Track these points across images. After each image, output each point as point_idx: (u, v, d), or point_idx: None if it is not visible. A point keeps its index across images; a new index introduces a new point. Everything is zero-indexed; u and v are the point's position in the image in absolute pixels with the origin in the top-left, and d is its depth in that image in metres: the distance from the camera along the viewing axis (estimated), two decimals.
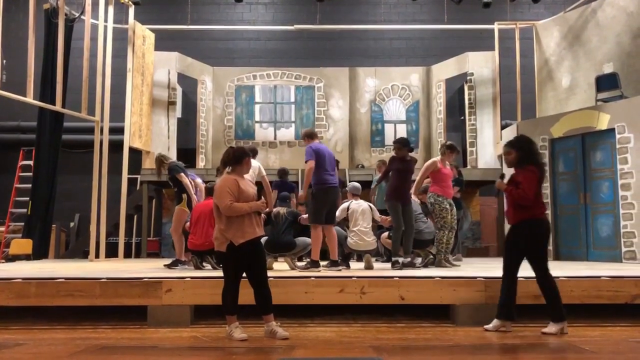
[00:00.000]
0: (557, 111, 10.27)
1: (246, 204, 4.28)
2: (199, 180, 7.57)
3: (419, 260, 7.42)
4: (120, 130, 10.92)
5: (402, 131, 13.45)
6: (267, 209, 6.75)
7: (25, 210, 10.86)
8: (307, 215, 6.56)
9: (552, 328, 4.47)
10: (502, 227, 11.08)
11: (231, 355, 3.87)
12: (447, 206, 6.90)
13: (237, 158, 4.42)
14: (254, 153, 6.73)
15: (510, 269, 4.61)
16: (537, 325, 4.90)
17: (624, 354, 3.91)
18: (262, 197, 4.52)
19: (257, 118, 13.49)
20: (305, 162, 6.27)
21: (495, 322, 4.60)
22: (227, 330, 4.34)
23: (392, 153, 6.90)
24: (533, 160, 4.62)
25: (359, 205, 6.76)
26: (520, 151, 4.66)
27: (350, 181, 9.05)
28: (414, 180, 6.96)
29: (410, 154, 6.80)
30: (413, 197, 7.27)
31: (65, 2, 9.83)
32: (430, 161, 7.23)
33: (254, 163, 6.64)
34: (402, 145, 6.65)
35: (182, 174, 7.10)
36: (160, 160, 7.23)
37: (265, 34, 14.66)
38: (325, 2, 13.32)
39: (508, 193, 4.61)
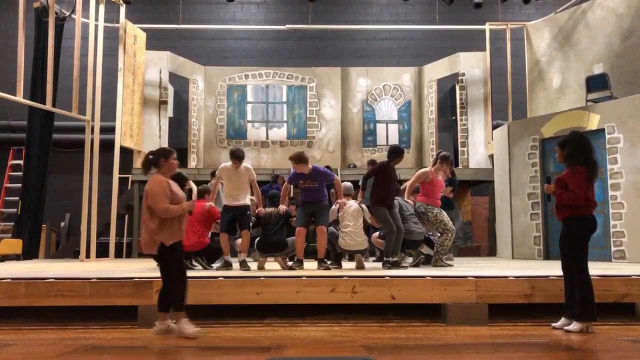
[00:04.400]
0: (548, 111, 10.33)
1: (179, 206, 4.41)
2: None
3: (409, 260, 7.45)
4: (111, 130, 10.88)
5: (394, 131, 13.48)
6: (257, 211, 6.78)
7: (15, 209, 10.79)
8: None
9: (575, 326, 4.45)
10: (492, 226, 11.14)
11: (222, 355, 3.87)
12: (438, 210, 7.01)
13: (156, 161, 4.49)
14: (242, 155, 6.67)
15: (570, 266, 4.56)
16: (528, 324, 4.94)
17: (613, 352, 3.94)
18: (192, 198, 4.61)
19: (249, 118, 13.47)
20: (333, 179, 6.60)
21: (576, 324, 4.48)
22: (177, 327, 4.37)
23: (383, 156, 6.90)
24: (581, 159, 4.52)
25: (349, 205, 6.76)
26: (567, 149, 4.60)
27: (342, 181, 9.02)
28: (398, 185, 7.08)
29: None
30: (406, 199, 7.30)
31: (55, 1, 9.77)
32: (423, 170, 7.27)
33: (244, 164, 6.64)
34: (398, 155, 6.72)
35: (191, 182, 7.15)
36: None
37: (257, 34, 14.65)
38: (317, 2, 13.33)
39: (558, 196, 4.54)
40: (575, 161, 4.55)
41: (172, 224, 4.40)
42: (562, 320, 4.63)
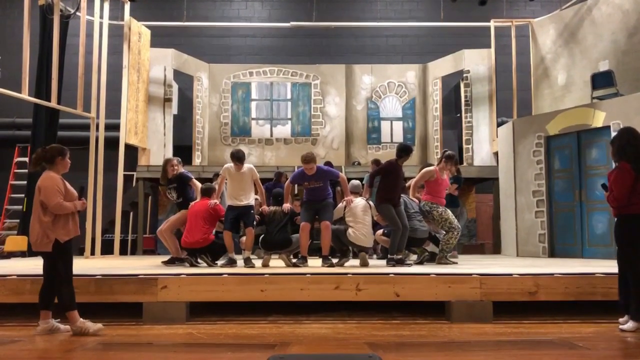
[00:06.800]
0: (553, 109, 10.29)
1: (72, 203, 4.46)
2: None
3: (413, 257, 7.45)
4: (116, 127, 10.90)
5: (398, 129, 13.46)
6: (262, 209, 6.79)
7: (20, 207, 10.83)
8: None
9: (630, 325, 4.37)
10: (497, 224, 11.12)
11: (227, 352, 3.88)
12: (443, 209, 7.01)
13: (52, 157, 4.48)
14: (242, 156, 6.68)
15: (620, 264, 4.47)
16: (532, 322, 4.93)
17: (617, 350, 3.93)
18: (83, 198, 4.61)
19: (253, 115, 13.48)
20: (338, 176, 6.73)
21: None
22: (76, 326, 4.35)
23: (388, 153, 6.93)
24: (626, 155, 4.39)
25: (358, 202, 6.77)
26: (614, 146, 4.51)
27: (347, 179, 9.04)
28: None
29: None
30: (411, 197, 7.30)
31: None
32: (428, 169, 7.26)
33: (247, 165, 6.66)
34: (407, 154, 6.76)
35: (195, 180, 7.19)
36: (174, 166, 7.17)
37: (261, 31, 14.64)
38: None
39: (607, 200, 4.55)
40: (619, 157, 4.45)
41: (66, 220, 4.43)
42: (625, 318, 4.52)
